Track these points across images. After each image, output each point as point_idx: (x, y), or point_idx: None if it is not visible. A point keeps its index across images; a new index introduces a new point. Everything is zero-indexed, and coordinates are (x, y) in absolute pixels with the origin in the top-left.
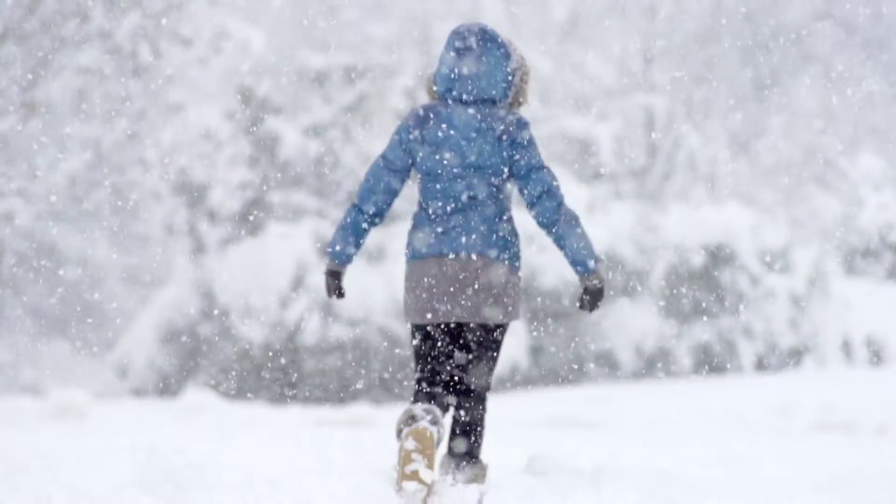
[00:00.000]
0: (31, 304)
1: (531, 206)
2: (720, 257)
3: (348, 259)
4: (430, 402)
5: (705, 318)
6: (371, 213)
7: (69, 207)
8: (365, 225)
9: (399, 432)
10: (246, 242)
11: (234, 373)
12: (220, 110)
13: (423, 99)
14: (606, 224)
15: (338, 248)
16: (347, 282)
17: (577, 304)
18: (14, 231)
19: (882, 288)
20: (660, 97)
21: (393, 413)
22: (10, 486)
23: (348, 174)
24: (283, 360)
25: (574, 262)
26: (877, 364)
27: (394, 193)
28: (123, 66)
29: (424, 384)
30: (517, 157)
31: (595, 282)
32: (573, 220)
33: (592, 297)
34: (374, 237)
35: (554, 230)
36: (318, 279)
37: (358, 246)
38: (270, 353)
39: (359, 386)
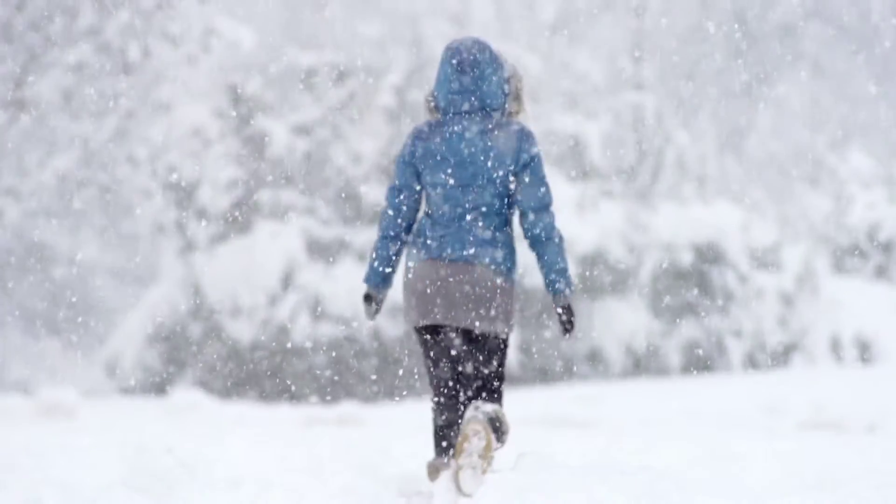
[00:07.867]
0: (21, 303)
1: (526, 216)
2: (709, 256)
3: (380, 279)
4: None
5: (694, 317)
6: (395, 234)
7: (58, 205)
8: (393, 246)
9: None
10: (235, 241)
11: (223, 371)
12: (209, 108)
13: (412, 97)
14: (595, 222)
15: (368, 272)
16: (339, 282)
17: (564, 329)
18: (3, 229)
19: (871, 286)
20: (649, 95)
21: (382, 412)
22: (0, 485)
23: (337, 172)
24: (272, 359)
25: (559, 276)
26: (866, 362)
27: (414, 211)
28: (112, 64)
29: (443, 403)
30: (523, 170)
31: (569, 300)
32: (562, 239)
33: (570, 314)
34: (364, 235)
35: (544, 246)
36: (307, 277)
37: (390, 266)
38: (260, 352)
39: (348, 384)
